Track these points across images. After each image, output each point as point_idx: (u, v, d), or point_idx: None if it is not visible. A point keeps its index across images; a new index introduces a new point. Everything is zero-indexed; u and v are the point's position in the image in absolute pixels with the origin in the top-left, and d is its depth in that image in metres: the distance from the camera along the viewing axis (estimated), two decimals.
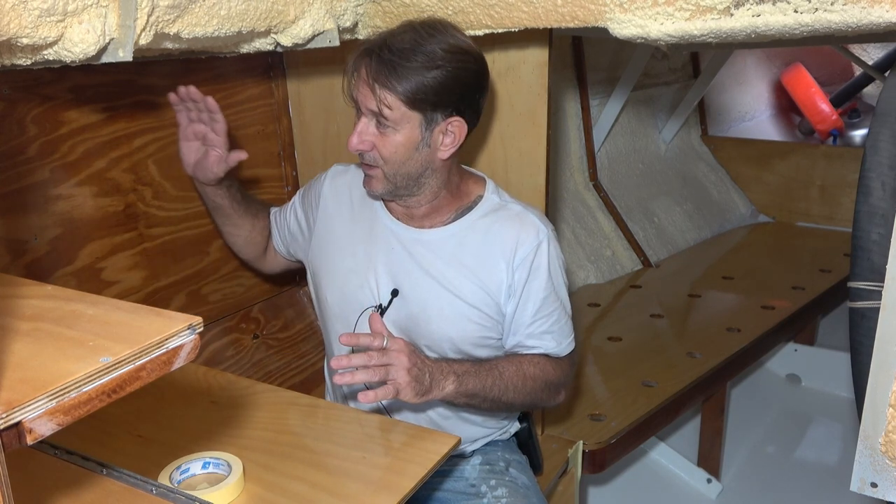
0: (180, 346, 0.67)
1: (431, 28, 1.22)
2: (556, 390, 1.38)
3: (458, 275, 1.30)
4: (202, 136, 1.37)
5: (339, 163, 1.49)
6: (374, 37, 1.24)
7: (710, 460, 2.36)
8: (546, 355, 1.35)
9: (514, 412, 1.47)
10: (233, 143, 1.69)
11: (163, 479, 0.98)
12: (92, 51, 0.97)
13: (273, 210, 1.56)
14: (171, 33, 1.06)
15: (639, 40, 1.13)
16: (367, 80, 1.20)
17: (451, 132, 1.25)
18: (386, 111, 1.20)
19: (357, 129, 1.24)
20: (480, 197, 1.36)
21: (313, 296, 1.46)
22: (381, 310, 1.34)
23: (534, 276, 1.30)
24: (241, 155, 1.37)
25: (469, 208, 1.35)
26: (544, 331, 1.34)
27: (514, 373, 1.30)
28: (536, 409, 1.35)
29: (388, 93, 1.19)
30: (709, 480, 2.31)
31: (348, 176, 1.44)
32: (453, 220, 1.34)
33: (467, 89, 1.24)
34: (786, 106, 4.46)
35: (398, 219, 1.35)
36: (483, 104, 1.29)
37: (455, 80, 1.21)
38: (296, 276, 1.89)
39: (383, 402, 1.37)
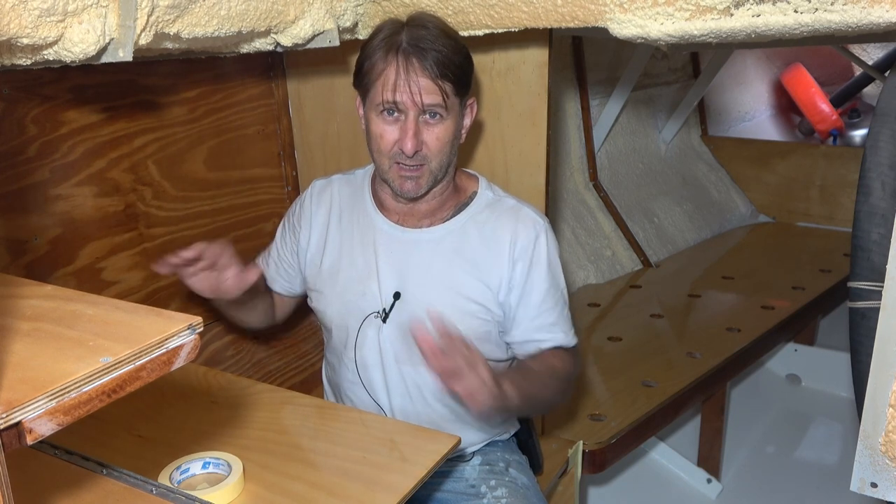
0: (180, 346, 0.67)
1: (426, 17, 1.26)
2: (572, 383, 1.40)
3: (459, 271, 1.31)
4: (210, 265, 1.28)
5: (317, 178, 1.47)
6: (388, 36, 1.23)
7: (710, 460, 2.36)
8: (559, 347, 1.36)
9: (545, 412, 1.44)
10: (233, 143, 1.69)
11: (163, 479, 0.98)
12: (92, 51, 0.97)
13: (261, 257, 1.51)
14: (171, 33, 1.06)
15: (639, 40, 1.13)
16: (428, 73, 1.20)
17: (469, 113, 1.32)
18: (447, 100, 1.22)
19: (410, 131, 1.22)
20: (475, 193, 1.37)
21: (313, 307, 1.45)
22: (385, 314, 1.33)
23: (534, 268, 1.31)
24: (253, 274, 1.30)
25: (465, 204, 1.35)
26: (552, 322, 1.34)
27: (543, 370, 1.31)
28: (557, 405, 1.36)
29: (446, 83, 1.22)
30: (709, 480, 2.31)
31: (332, 188, 1.43)
32: (451, 217, 1.34)
33: (473, 68, 1.30)
34: (786, 106, 4.46)
35: (395, 221, 1.35)
36: None
37: (469, 60, 1.28)
38: None
39: (383, 403, 1.38)
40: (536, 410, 1.32)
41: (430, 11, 1.32)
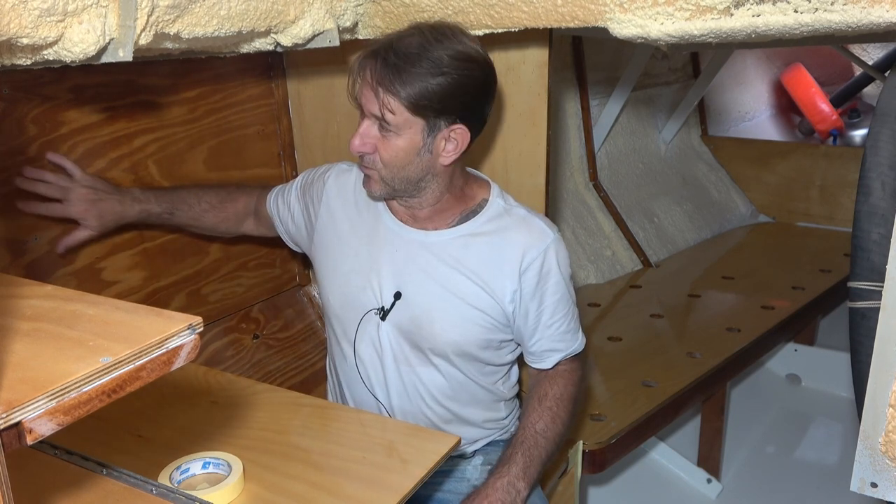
0: (180, 346, 0.67)
1: (440, 33, 1.20)
2: (582, 384, 1.44)
3: (461, 277, 1.30)
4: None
5: (345, 161, 1.49)
6: (382, 38, 1.24)
7: (710, 460, 2.35)
8: (564, 361, 1.39)
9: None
10: (233, 143, 1.69)
11: (163, 479, 0.98)
12: (92, 51, 0.97)
13: (272, 195, 1.53)
14: (171, 33, 1.06)
15: (639, 40, 1.13)
16: (371, 83, 1.19)
17: (453, 139, 1.24)
18: (388, 115, 1.19)
19: (360, 131, 1.23)
20: (485, 201, 1.35)
21: (316, 293, 1.46)
22: (384, 312, 1.34)
23: (545, 280, 1.31)
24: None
25: (474, 212, 1.34)
26: (565, 330, 1.37)
27: (548, 414, 1.35)
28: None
29: (391, 97, 1.18)
30: (709, 480, 2.31)
31: (352, 175, 1.43)
32: (458, 224, 1.33)
33: (472, 97, 1.23)
34: (786, 106, 4.46)
35: (401, 220, 1.35)
36: (488, 112, 1.28)
37: (460, 87, 1.20)
38: (296, 276, 1.89)
39: (382, 400, 1.38)
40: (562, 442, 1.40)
41: (430, 11, 1.32)
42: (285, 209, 1.50)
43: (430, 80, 1.17)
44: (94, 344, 0.65)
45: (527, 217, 1.34)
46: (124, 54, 1.00)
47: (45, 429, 0.57)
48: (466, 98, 1.22)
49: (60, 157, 1.37)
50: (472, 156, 1.61)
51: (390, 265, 1.34)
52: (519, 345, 1.40)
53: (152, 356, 0.65)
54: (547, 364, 1.38)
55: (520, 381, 1.50)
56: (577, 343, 1.40)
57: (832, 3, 0.96)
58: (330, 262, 1.40)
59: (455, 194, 1.33)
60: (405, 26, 1.26)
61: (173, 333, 0.66)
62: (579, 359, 1.42)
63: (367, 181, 1.30)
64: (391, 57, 1.18)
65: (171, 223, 1.51)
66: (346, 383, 1.43)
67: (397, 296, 1.33)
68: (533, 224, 1.33)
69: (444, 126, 1.22)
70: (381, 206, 1.37)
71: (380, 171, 1.26)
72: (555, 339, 1.36)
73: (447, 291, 1.30)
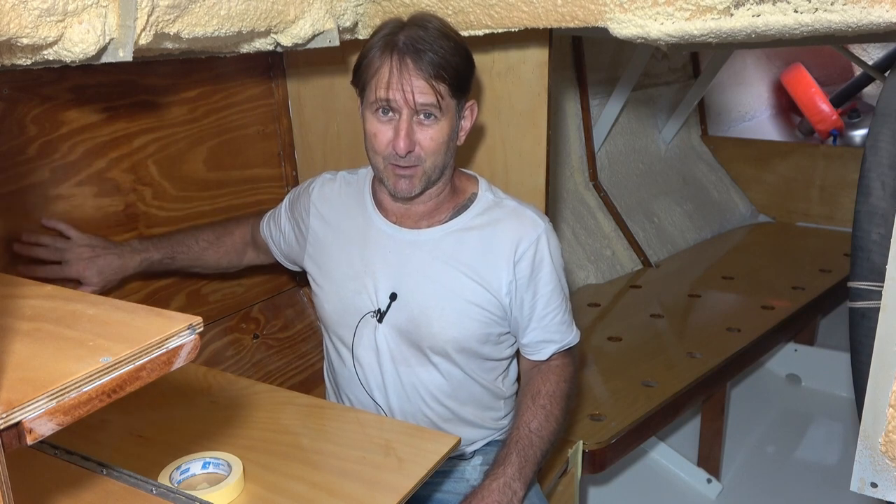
0: (180, 346, 0.67)
1: (428, 17, 1.26)
2: (575, 380, 1.43)
3: (457, 273, 1.30)
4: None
5: (327, 171, 1.48)
6: (386, 35, 1.23)
7: (710, 460, 2.36)
8: (556, 357, 1.39)
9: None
10: (233, 143, 1.69)
11: (163, 479, 0.98)
12: (92, 51, 0.97)
13: (264, 221, 1.54)
14: (171, 33, 1.06)
15: (639, 40, 1.13)
16: (422, 74, 1.19)
17: (468, 116, 1.31)
18: (441, 101, 1.21)
19: (402, 131, 1.21)
20: (475, 195, 1.36)
21: (314, 302, 1.46)
22: (380, 314, 1.33)
23: (538, 269, 1.31)
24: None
25: (465, 206, 1.35)
26: (560, 321, 1.37)
27: (542, 412, 1.34)
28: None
29: (441, 83, 1.21)
30: (709, 480, 2.31)
31: (336, 184, 1.43)
32: (450, 219, 1.34)
33: (473, 69, 1.29)
34: (786, 106, 4.46)
35: (393, 222, 1.35)
36: None
37: (469, 62, 1.27)
38: (296, 276, 1.89)
39: (381, 402, 1.38)
40: (557, 439, 1.39)
41: (430, 11, 1.32)
42: (277, 231, 1.51)
43: (456, 59, 1.22)
44: (94, 344, 0.65)
45: (517, 208, 1.34)
46: (124, 54, 1.00)
47: (45, 429, 0.57)
48: (472, 69, 1.28)
49: (55, 221, 1.37)
50: (472, 155, 1.61)
51: (384, 267, 1.33)
52: (516, 337, 1.41)
53: (152, 356, 0.65)
54: (542, 356, 1.38)
55: (519, 379, 1.50)
56: (571, 335, 1.39)
57: (832, 3, 0.96)
58: (324, 270, 1.40)
59: (451, 188, 1.34)
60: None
61: (173, 333, 0.66)
62: (572, 353, 1.42)
63: (407, 182, 1.26)
64: (422, 45, 1.19)
65: (173, 268, 1.51)
66: (344, 389, 1.43)
67: (393, 297, 1.33)
68: (524, 214, 1.33)
69: (464, 103, 1.29)
70: (372, 209, 1.37)
71: (423, 165, 1.25)
72: (550, 329, 1.36)
73: (443, 289, 1.30)
